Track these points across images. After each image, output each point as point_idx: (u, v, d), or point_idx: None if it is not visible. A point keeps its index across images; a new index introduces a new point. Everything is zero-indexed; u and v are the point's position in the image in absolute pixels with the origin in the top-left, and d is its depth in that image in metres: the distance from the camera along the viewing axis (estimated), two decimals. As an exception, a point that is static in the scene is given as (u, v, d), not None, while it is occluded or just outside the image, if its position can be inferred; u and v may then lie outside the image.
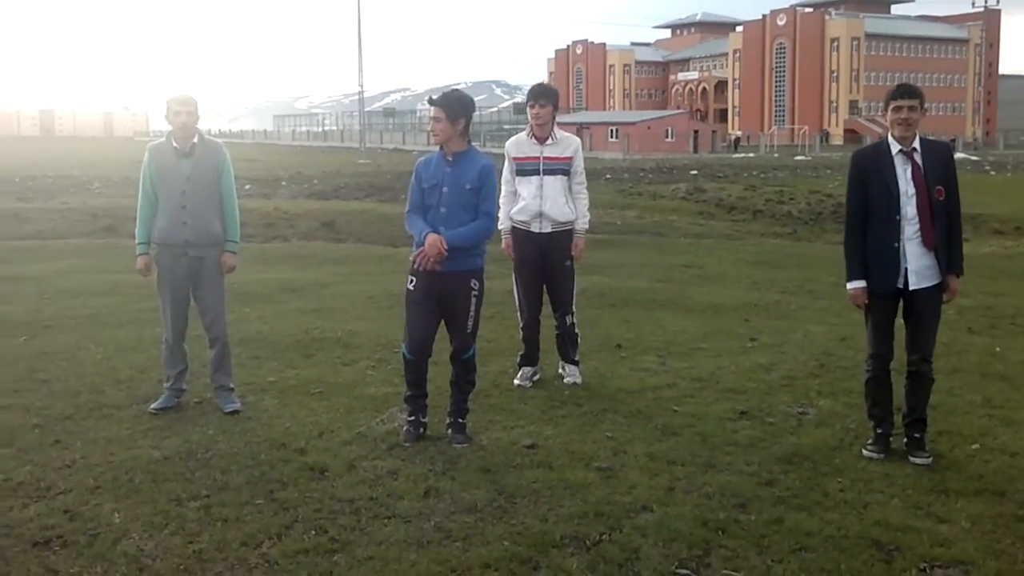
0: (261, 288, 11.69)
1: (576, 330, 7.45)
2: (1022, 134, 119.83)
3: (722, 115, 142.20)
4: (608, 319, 10.23)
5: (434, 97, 5.90)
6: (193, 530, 4.60)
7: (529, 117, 7.20)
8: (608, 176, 42.93)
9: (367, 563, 4.26)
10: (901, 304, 5.78)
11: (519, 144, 7.31)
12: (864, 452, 5.79)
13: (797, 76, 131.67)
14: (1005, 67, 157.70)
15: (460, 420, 6.04)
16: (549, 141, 7.19)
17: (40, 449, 5.74)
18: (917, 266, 5.62)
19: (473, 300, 5.97)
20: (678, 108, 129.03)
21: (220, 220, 6.55)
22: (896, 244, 5.62)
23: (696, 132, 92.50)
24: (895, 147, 5.63)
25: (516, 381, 7.33)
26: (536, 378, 7.40)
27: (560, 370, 7.45)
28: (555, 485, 5.19)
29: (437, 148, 5.97)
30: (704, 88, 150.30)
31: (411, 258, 5.94)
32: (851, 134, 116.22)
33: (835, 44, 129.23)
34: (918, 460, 5.64)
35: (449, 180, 5.84)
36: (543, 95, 7.14)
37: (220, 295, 6.67)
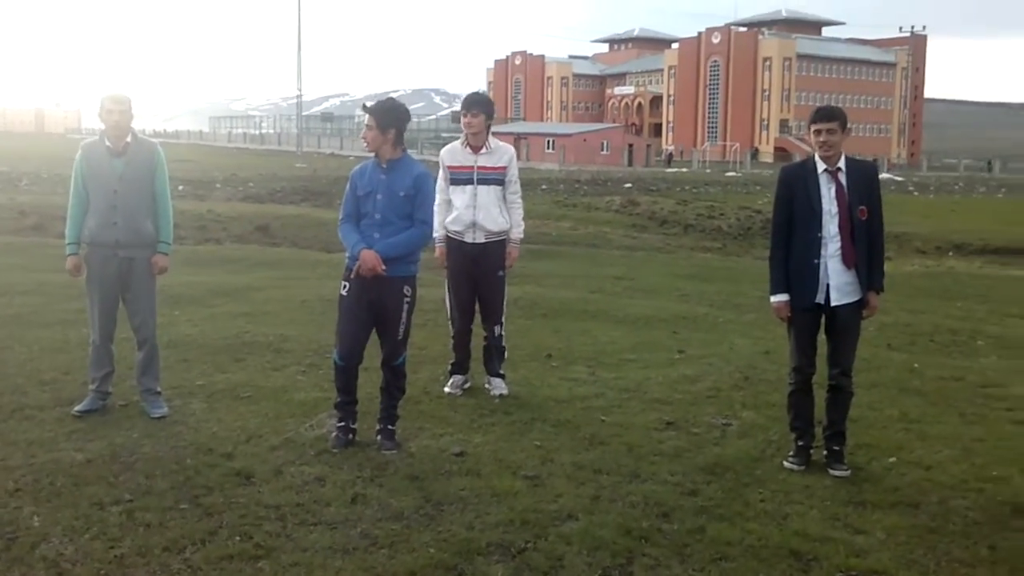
0: (192, 291, 11.56)
1: (503, 343, 7.47)
2: (945, 156, 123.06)
3: (656, 130, 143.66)
4: (540, 329, 10.30)
5: (368, 105, 5.94)
6: (115, 535, 4.54)
7: (462, 126, 7.22)
8: (544, 187, 43.13)
9: (292, 569, 4.26)
10: (823, 319, 5.93)
11: (453, 153, 7.31)
12: (785, 464, 5.91)
13: (730, 93, 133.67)
14: (930, 91, 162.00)
15: (390, 427, 6.04)
16: (483, 150, 7.20)
17: (-42, 451, 5.62)
18: (837, 282, 5.78)
19: (405, 307, 5.99)
20: (614, 122, 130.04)
21: (152, 221, 6.47)
22: (816, 261, 5.76)
23: (631, 146, 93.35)
24: (820, 166, 5.78)
25: (446, 389, 7.34)
26: (466, 386, 7.42)
27: (486, 384, 7.45)
28: (482, 493, 5.23)
29: (372, 155, 5.99)
30: (640, 103, 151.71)
31: (347, 268, 5.95)
32: (781, 152, 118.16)
33: (767, 63, 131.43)
34: (837, 472, 5.78)
35: (383, 187, 5.86)
36: (475, 104, 7.15)
37: (150, 297, 6.58)
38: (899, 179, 68.77)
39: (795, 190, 5.84)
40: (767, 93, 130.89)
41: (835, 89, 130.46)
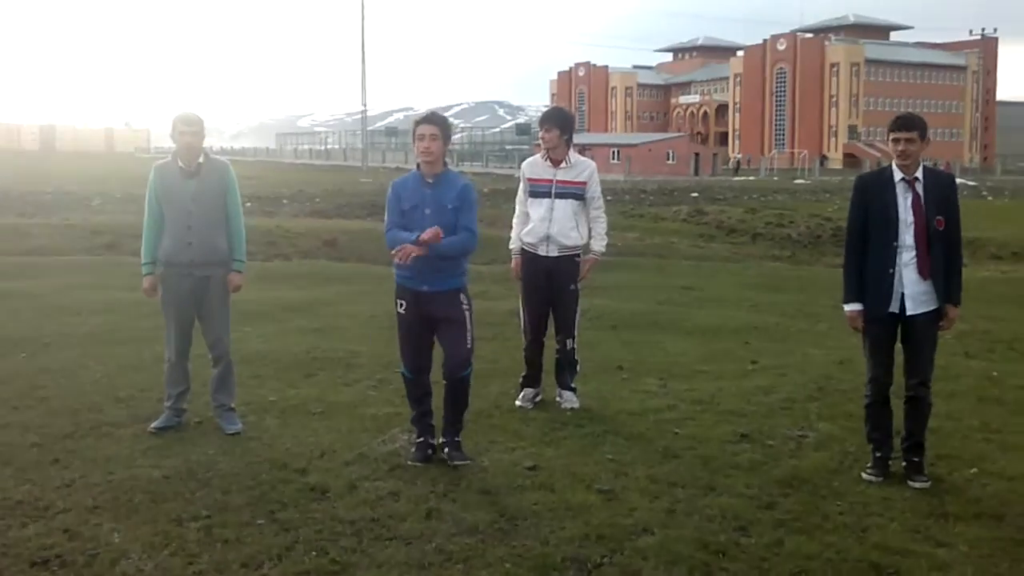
0: (262, 307, 11.70)
1: (576, 356, 7.43)
2: (1019, 160, 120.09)
3: (723, 138, 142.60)
4: (609, 341, 10.24)
5: (426, 115, 5.92)
6: (193, 551, 4.59)
7: (540, 141, 7.25)
8: (609, 198, 42.93)
9: (367, 584, 4.26)
10: (899, 330, 5.81)
11: (534, 166, 7.34)
12: (863, 475, 5.80)
13: (797, 100, 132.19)
14: (1002, 94, 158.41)
15: (456, 438, 6.00)
16: (563, 165, 7.20)
17: (39, 468, 5.74)
18: (912, 292, 5.67)
19: (467, 315, 5.97)
20: (679, 131, 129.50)
21: (226, 239, 6.56)
22: (892, 270, 5.66)
23: (697, 155, 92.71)
24: (898, 175, 5.68)
25: (517, 402, 7.32)
26: (538, 399, 7.40)
27: (557, 397, 7.41)
28: (556, 507, 5.19)
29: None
30: (705, 111, 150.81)
31: (395, 255, 5.87)
32: (850, 158, 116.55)
33: (835, 69, 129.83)
34: (917, 484, 5.65)
35: (431, 201, 5.84)
36: (549, 119, 7.18)
37: (225, 315, 6.67)
38: (972, 183, 67.26)
39: (871, 198, 5.75)
40: (835, 99, 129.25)
41: (904, 94, 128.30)
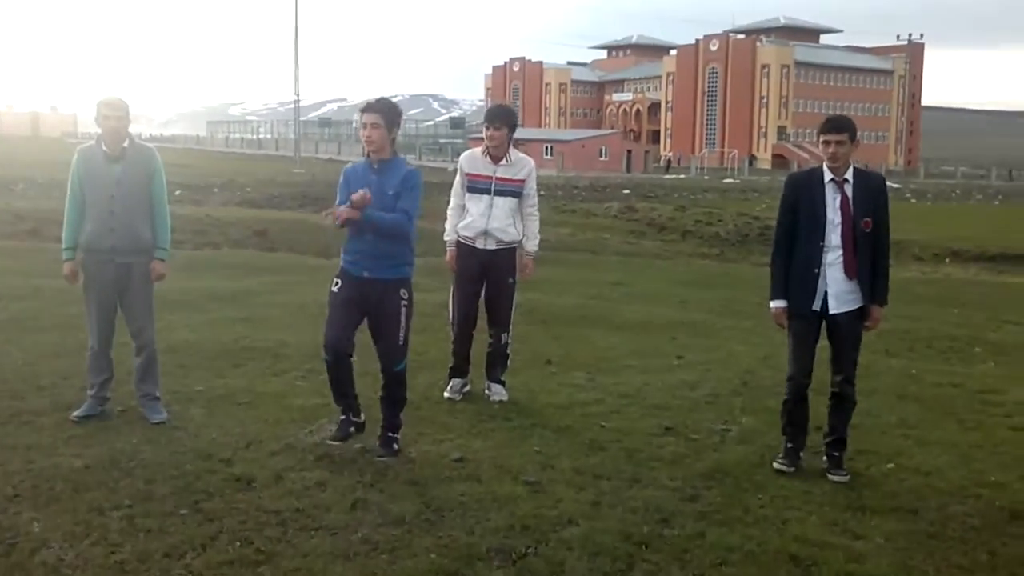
0: (189, 296, 11.54)
1: (508, 350, 7.45)
2: (943, 163, 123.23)
3: (655, 136, 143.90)
4: (539, 335, 10.30)
5: (371, 102, 5.88)
6: (115, 540, 4.53)
7: (485, 138, 7.19)
8: (543, 193, 42.87)
9: (293, 575, 4.25)
10: (825, 328, 5.93)
11: (473, 160, 7.28)
12: (775, 465, 5.93)
13: (728, 100, 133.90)
14: (928, 99, 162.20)
15: (390, 434, 5.99)
16: (503, 162, 7.17)
17: (-43, 456, 5.61)
18: (837, 291, 5.79)
19: (403, 310, 5.94)
20: (612, 128, 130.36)
21: (150, 227, 6.45)
22: (817, 269, 5.78)
23: (629, 152, 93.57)
24: (828, 175, 5.79)
25: (446, 394, 7.33)
26: (466, 390, 7.42)
27: (486, 390, 7.42)
28: (483, 498, 5.23)
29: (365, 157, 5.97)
30: (638, 109, 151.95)
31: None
32: (779, 159, 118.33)
33: (765, 71, 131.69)
34: (836, 478, 5.80)
35: (375, 187, 5.80)
36: (497, 118, 7.13)
37: (148, 303, 6.56)
38: (897, 186, 68.80)
39: (801, 198, 5.86)
40: (765, 100, 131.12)
41: (833, 96, 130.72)
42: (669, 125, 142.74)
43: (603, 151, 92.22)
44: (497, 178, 7.17)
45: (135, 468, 5.52)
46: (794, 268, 5.88)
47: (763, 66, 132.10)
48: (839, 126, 5.77)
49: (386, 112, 5.83)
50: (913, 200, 53.05)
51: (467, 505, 5.13)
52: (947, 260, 26.30)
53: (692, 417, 7.05)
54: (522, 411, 7.06)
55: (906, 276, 19.68)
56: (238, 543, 4.55)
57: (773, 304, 5.98)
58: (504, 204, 7.19)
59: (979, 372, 9.34)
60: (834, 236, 5.76)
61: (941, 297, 16.12)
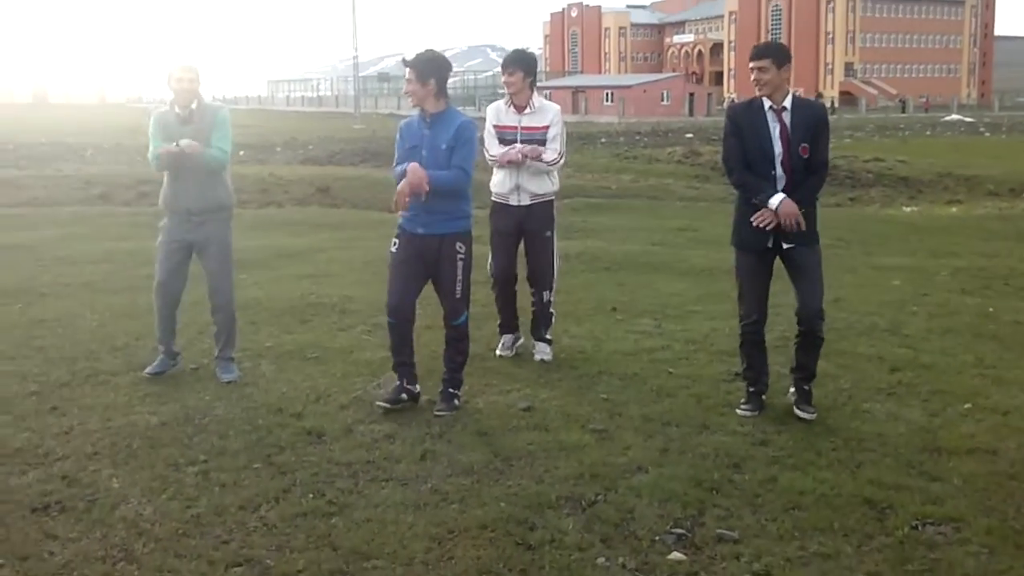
0: (256, 254, 11.67)
1: (552, 309, 7.18)
2: (1017, 95, 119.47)
3: (718, 78, 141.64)
4: (603, 282, 10.25)
5: (407, 58, 5.83)
6: (191, 495, 4.63)
7: (503, 84, 6.95)
8: (603, 140, 42.75)
9: (365, 525, 4.30)
10: (783, 266, 5.76)
11: (498, 112, 7.02)
12: (739, 411, 5.81)
13: (793, 38, 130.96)
14: (1001, 29, 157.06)
15: (450, 390, 5.95)
16: (527, 110, 6.90)
17: (37, 416, 5.77)
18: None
19: (459, 264, 5.89)
20: (674, 71, 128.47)
21: (223, 185, 6.52)
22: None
23: (692, 95, 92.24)
24: (766, 103, 5.62)
25: (498, 352, 7.18)
26: (518, 344, 7.25)
27: (532, 348, 7.17)
28: (551, 447, 5.23)
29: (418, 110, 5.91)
30: (700, 51, 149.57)
31: (399, 227, 5.93)
32: (847, 96, 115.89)
33: (831, 5, 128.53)
34: (803, 414, 5.72)
35: (427, 142, 5.77)
36: (512, 62, 6.85)
37: (225, 262, 6.60)
38: (969, 120, 67.01)
39: (742, 128, 5.67)
40: (831, 36, 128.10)
41: (901, 29, 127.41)
42: (732, 66, 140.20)
43: (665, 95, 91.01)
44: (523, 127, 6.88)
45: (209, 424, 5.62)
46: (741, 203, 5.71)
47: (829, 1, 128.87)
48: (761, 51, 5.59)
49: (418, 65, 5.75)
50: (987, 134, 51.60)
51: (535, 454, 5.14)
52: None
53: (761, 361, 6.95)
54: (588, 359, 7.04)
55: (980, 212, 19.16)
56: (311, 495, 4.61)
57: (774, 201, 5.51)
58: None
59: (1059, 308, 9.07)
60: (778, 166, 5.57)
61: (1019, 233, 15.64)
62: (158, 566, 3.95)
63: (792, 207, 5.48)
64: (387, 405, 5.82)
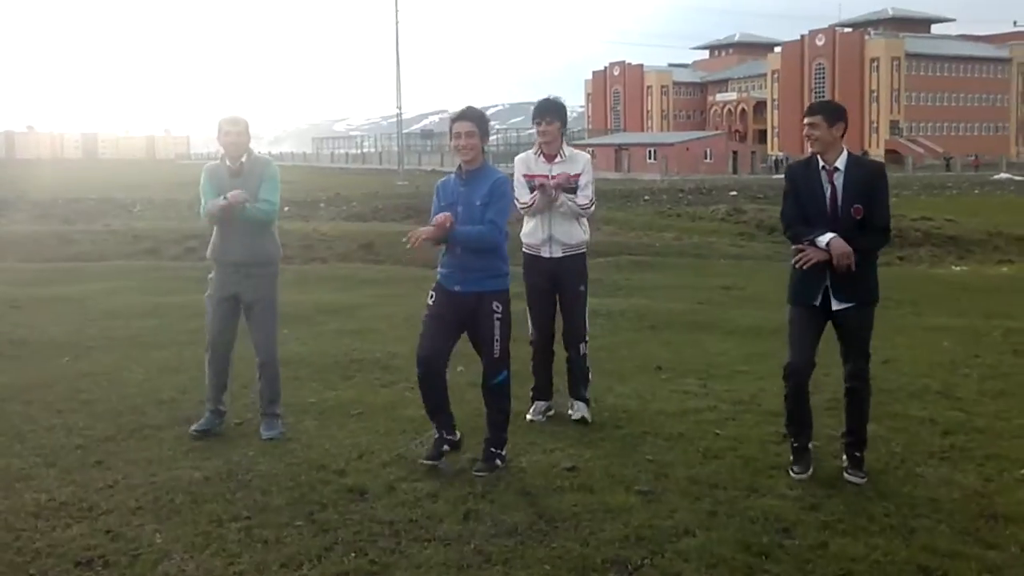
0: (299, 309, 11.74)
1: (587, 363, 7.05)
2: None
3: (761, 136, 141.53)
4: (648, 341, 10.17)
5: (461, 112, 5.82)
6: (234, 551, 4.61)
7: (537, 134, 6.91)
8: (646, 197, 42.79)
9: (407, 586, 4.25)
10: (831, 324, 5.69)
11: (527, 162, 6.96)
12: (791, 473, 5.68)
13: (836, 96, 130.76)
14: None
15: (492, 449, 5.85)
16: (558, 159, 6.83)
17: (82, 469, 5.79)
18: (836, 283, 5.53)
19: (497, 323, 5.82)
20: (716, 129, 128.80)
21: (271, 239, 6.58)
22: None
23: (735, 153, 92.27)
24: (820, 163, 5.59)
25: (528, 416, 6.93)
26: (550, 413, 7.05)
27: (569, 409, 7.02)
28: (596, 509, 5.15)
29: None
30: (743, 109, 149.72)
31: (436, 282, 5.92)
32: (893, 154, 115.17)
33: (875, 64, 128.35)
34: (853, 479, 5.61)
35: (463, 199, 5.78)
36: (548, 111, 6.81)
37: (271, 318, 6.64)
38: (1020, 178, 66.33)
39: (799, 187, 5.65)
40: (875, 94, 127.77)
41: (947, 88, 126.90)
42: (776, 124, 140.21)
43: (708, 153, 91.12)
44: (554, 177, 6.80)
45: (252, 480, 5.61)
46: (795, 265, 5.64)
47: (872, 59, 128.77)
48: (812, 109, 5.60)
49: (479, 120, 5.78)
50: (1035, 193, 50.99)
51: (580, 515, 5.06)
52: (1075, 255, 25.14)
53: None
54: (633, 419, 6.96)
55: (1031, 272, 18.90)
56: (353, 554, 4.57)
57: (823, 239, 5.42)
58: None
59: (1116, 371, 8.85)
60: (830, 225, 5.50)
61: (1070, 293, 15.38)
62: (199, 625, 3.92)
63: (844, 245, 5.39)
64: (430, 462, 5.76)
